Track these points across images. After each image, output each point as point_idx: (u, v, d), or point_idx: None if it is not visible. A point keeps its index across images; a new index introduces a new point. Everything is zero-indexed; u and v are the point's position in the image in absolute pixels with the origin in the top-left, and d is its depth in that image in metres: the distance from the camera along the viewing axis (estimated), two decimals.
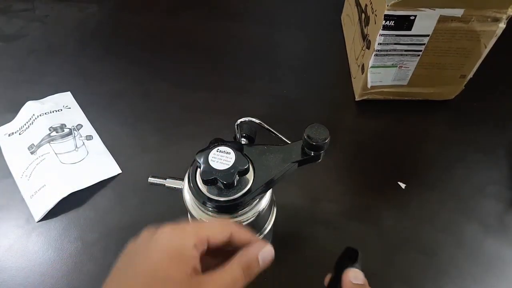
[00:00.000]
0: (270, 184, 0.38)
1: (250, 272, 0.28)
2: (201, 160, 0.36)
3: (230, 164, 0.35)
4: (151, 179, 0.44)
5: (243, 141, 0.47)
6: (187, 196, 0.39)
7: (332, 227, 0.54)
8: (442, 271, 0.50)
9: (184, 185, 0.40)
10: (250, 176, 0.37)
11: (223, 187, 0.36)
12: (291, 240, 0.53)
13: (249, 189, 0.36)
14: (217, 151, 0.36)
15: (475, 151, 0.61)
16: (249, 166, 0.36)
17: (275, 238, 0.54)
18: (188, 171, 0.39)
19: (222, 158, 0.36)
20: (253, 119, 0.43)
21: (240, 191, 0.36)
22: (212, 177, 0.35)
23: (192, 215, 0.39)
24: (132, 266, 0.27)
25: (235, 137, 0.45)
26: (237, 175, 0.35)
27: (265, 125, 0.43)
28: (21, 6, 0.82)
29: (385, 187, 0.57)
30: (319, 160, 0.40)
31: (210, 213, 0.38)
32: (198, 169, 0.37)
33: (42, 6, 0.82)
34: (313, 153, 0.39)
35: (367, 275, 0.49)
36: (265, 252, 0.29)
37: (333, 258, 0.52)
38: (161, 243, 0.27)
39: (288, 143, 0.41)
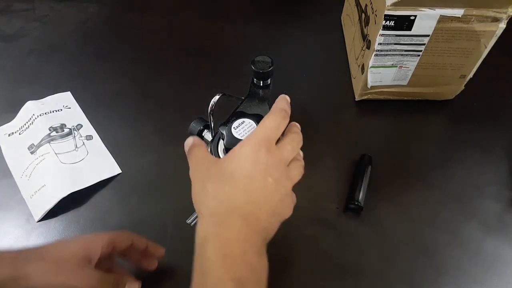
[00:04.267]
0: None
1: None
2: (224, 132, 0.39)
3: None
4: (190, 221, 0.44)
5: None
6: None
7: (332, 227, 0.54)
8: (442, 271, 0.50)
9: None
10: None
11: None
12: (291, 240, 0.53)
13: None
14: (239, 124, 0.40)
15: (475, 151, 0.61)
16: None
17: (275, 236, 0.54)
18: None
19: (245, 129, 0.39)
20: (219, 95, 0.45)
21: None
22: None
23: None
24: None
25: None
26: None
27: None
28: (21, 6, 0.82)
29: (385, 186, 0.57)
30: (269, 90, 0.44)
31: None
32: (221, 141, 0.40)
33: (42, 6, 0.82)
34: (262, 83, 0.43)
35: (367, 276, 0.49)
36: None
37: (333, 258, 0.52)
38: None
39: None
